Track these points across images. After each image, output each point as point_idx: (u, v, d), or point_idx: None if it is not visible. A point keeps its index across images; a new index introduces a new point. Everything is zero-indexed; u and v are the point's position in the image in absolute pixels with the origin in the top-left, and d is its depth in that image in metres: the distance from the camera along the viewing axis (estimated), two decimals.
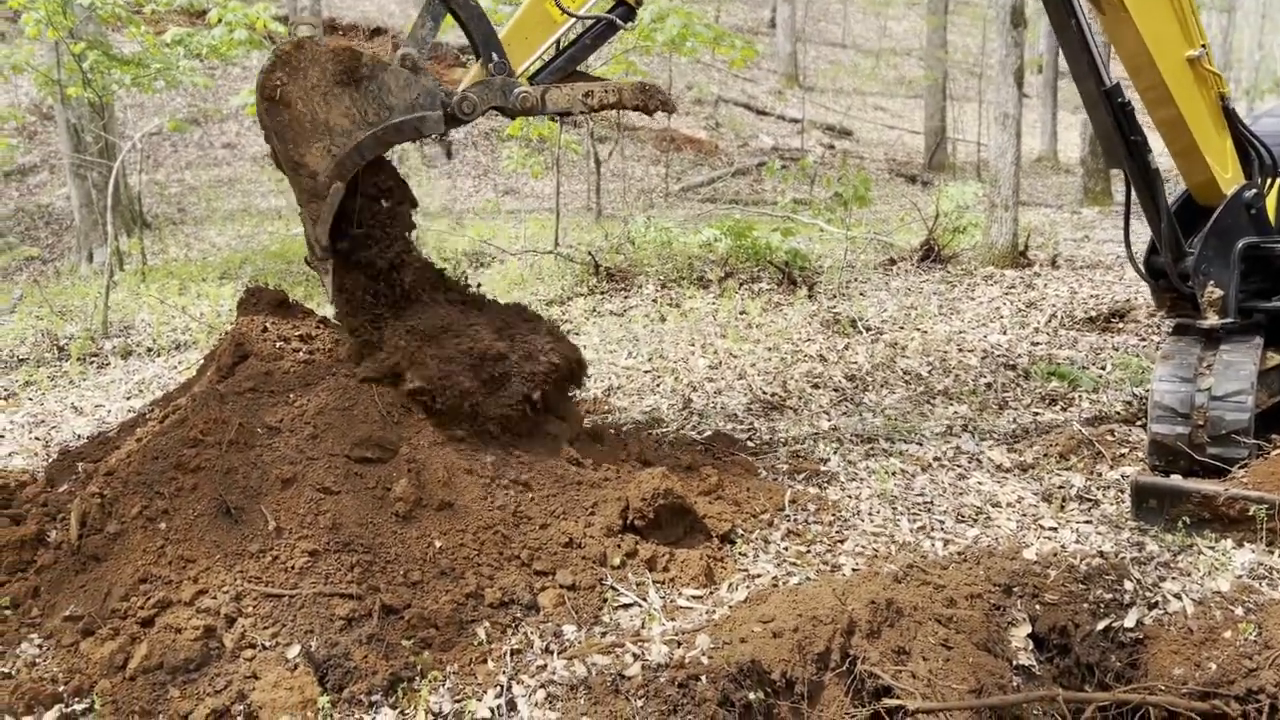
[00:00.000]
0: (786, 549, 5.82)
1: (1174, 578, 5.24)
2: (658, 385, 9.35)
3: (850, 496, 6.65)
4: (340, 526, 4.95)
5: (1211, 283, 6.65)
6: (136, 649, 4.38)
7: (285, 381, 5.58)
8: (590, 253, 14.50)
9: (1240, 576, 5.24)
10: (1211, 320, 6.67)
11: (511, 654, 4.58)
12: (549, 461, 5.82)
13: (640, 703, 4.17)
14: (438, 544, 5.06)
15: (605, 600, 5.04)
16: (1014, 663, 4.95)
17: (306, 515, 4.96)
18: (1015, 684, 4.72)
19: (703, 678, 4.23)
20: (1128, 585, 5.11)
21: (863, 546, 5.92)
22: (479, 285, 6.52)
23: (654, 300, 12.74)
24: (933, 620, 4.87)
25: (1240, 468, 6.10)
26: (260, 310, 6.08)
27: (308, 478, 5.10)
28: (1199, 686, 4.40)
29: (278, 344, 5.82)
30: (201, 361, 6.53)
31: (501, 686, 4.29)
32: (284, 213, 20.71)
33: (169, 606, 4.55)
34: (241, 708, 4.15)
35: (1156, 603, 5.01)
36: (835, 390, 9.15)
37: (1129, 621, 4.94)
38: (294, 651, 4.35)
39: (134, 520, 4.91)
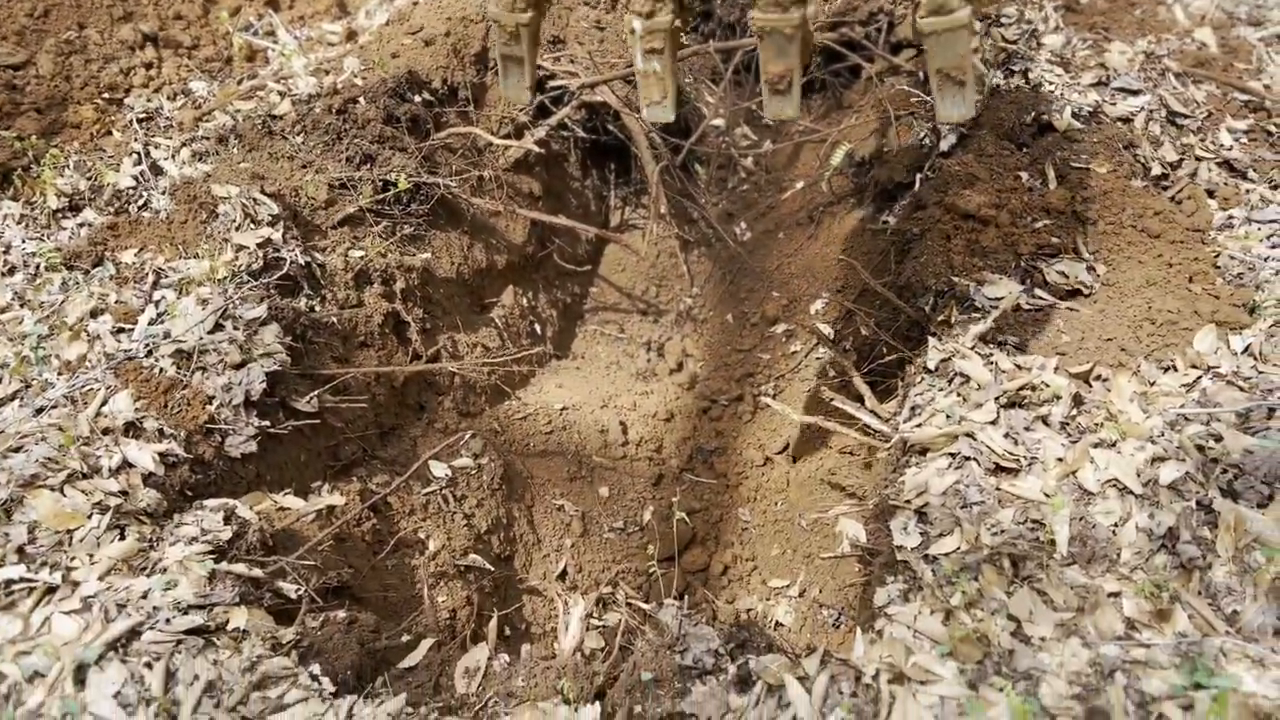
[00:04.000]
0: None
1: None
2: None
3: None
4: None
5: None
6: None
7: None
8: None
9: None
10: None
11: (139, 121, 4.05)
12: None
13: (300, 139, 3.89)
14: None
15: (232, 51, 4.48)
16: None
17: None
18: None
19: (360, 99, 3.96)
20: None
21: None
22: None
23: None
24: (582, 4, 4.75)
25: None
26: None
27: None
28: (828, 19, 4.67)
29: None
30: None
31: (138, 154, 3.82)
32: None
33: None
34: None
35: None
36: None
37: None
38: None
39: None
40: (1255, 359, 2.73)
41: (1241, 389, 2.62)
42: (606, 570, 3.86)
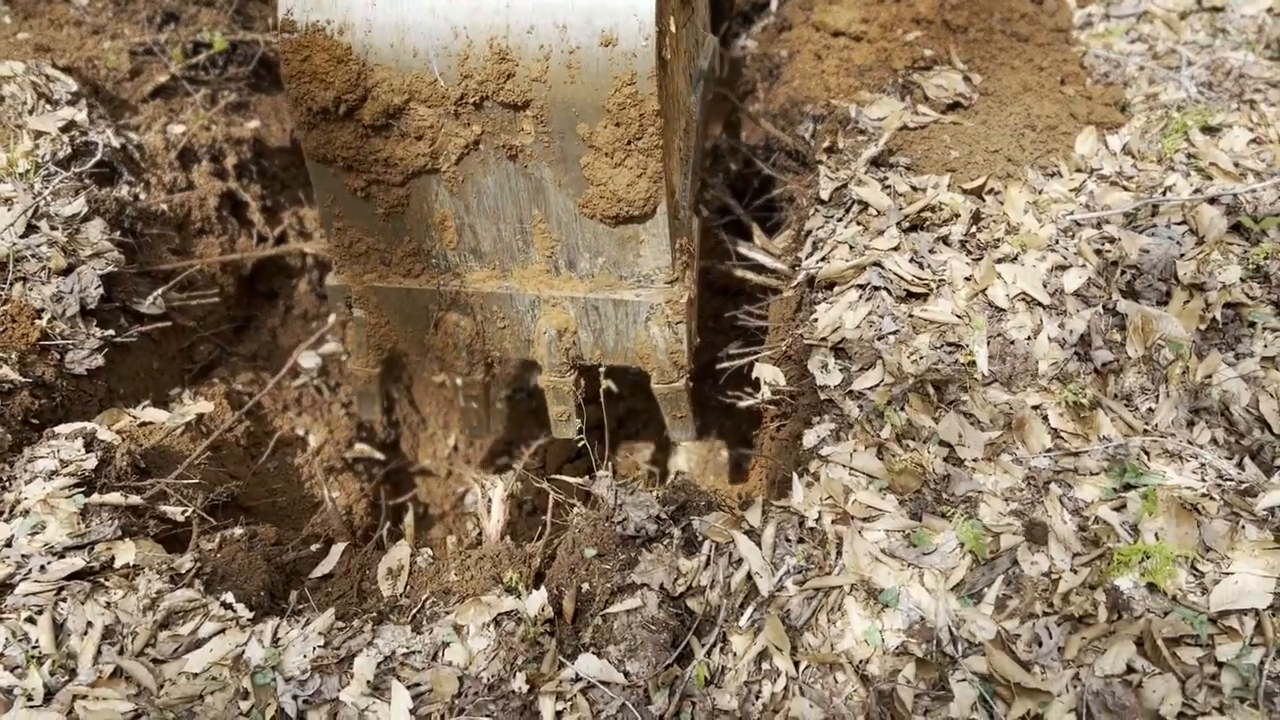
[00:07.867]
0: None
1: None
2: None
3: None
4: None
5: None
6: None
7: None
8: None
9: None
10: None
11: None
12: None
13: (84, 1, 3.36)
14: None
15: None
16: None
17: None
18: None
19: None
20: None
21: None
22: None
23: None
24: None
25: None
26: None
27: None
28: None
29: None
30: None
31: None
32: None
33: None
34: None
35: None
36: None
37: None
38: None
39: None
40: (1133, 157, 2.76)
41: (1126, 189, 2.65)
42: (498, 441, 3.73)
